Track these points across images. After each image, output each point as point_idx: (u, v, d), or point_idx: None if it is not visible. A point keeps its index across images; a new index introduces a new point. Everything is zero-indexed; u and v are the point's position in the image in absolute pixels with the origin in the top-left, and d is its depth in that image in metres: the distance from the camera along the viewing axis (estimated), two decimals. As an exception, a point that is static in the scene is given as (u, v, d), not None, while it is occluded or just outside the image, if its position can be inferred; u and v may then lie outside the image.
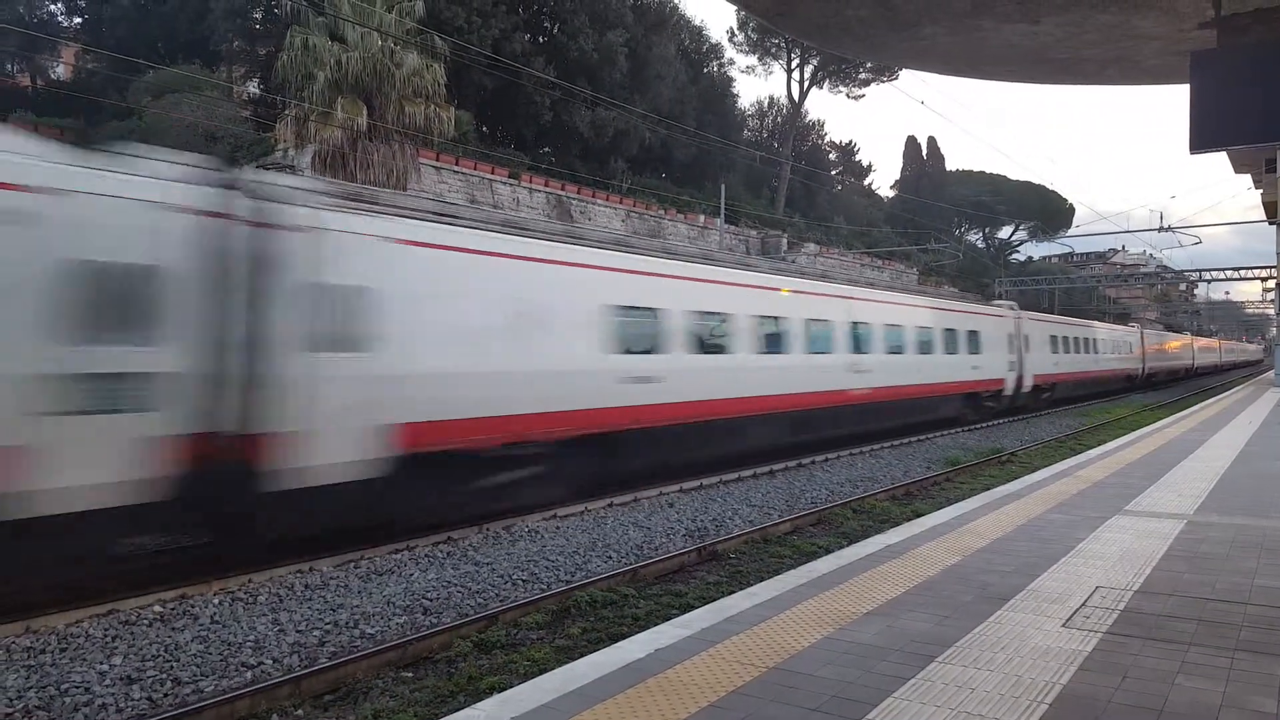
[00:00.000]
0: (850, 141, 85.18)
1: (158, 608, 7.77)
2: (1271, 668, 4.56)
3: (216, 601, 7.99)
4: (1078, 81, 10.76)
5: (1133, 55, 8.86)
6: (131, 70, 28.94)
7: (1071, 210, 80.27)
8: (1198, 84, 7.21)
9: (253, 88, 38.84)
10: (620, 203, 37.78)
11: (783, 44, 56.15)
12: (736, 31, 58.30)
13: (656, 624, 5.81)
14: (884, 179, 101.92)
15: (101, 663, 6.53)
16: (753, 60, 60.25)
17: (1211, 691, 4.25)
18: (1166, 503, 9.56)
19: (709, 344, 14.97)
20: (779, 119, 63.26)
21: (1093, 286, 71.40)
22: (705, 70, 54.24)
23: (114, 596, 7.82)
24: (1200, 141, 7.31)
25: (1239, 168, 14.97)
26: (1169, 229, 43.91)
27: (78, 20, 39.97)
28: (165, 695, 6.12)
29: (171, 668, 6.50)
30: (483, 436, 10.78)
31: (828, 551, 8.77)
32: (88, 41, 37.03)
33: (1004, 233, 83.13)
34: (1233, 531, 7.99)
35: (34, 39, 33.62)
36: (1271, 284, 58.42)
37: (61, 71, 40.20)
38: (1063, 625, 5.27)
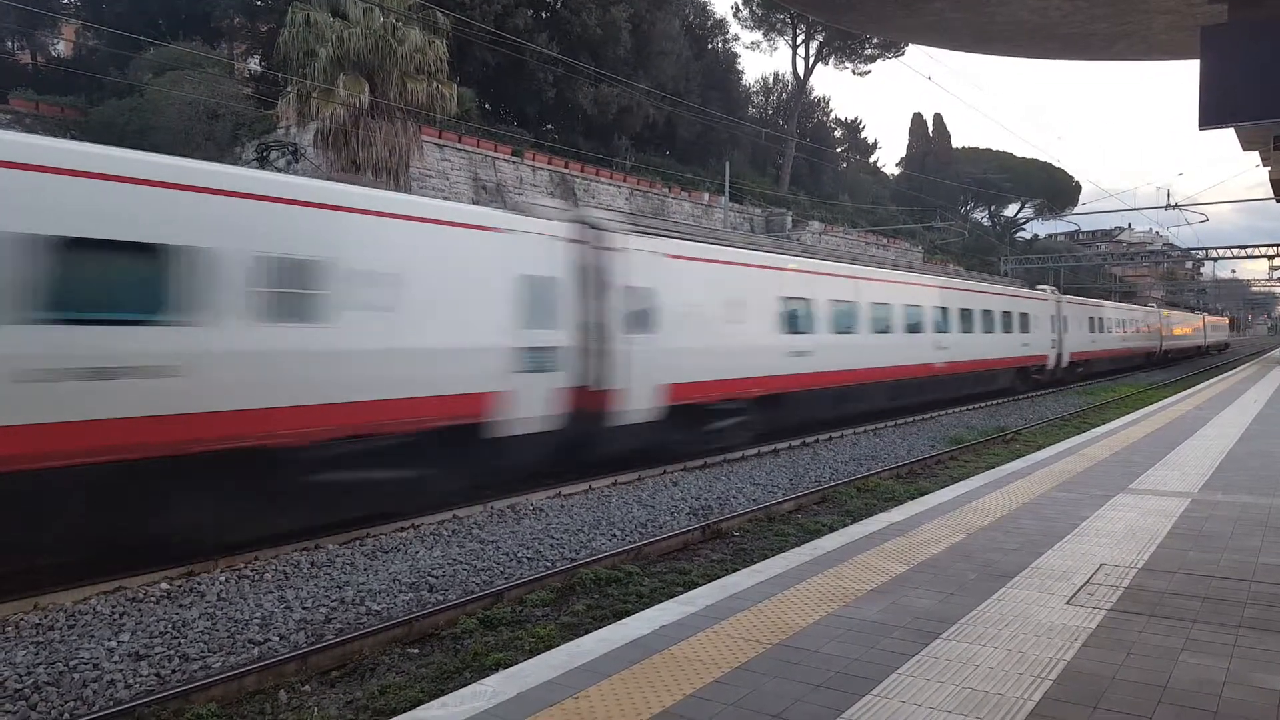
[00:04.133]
0: (856, 119, 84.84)
1: (165, 585, 7.82)
2: (1275, 645, 4.56)
3: (223, 579, 8.04)
4: (1086, 57, 10.68)
5: (1142, 30, 8.78)
6: (132, 47, 28.76)
7: (1078, 188, 79.95)
8: (1207, 59, 7.15)
9: (254, 65, 38.60)
10: (624, 180, 37.64)
11: (788, 19, 55.69)
12: (741, 7, 57.85)
13: (661, 601, 5.83)
14: (890, 156, 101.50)
15: (110, 639, 6.57)
16: (757, 36, 59.69)
17: (1215, 668, 4.26)
18: (1171, 481, 9.55)
19: None
20: (784, 95, 62.82)
21: (1099, 265, 71.01)
22: (709, 46, 53.82)
23: (121, 574, 7.87)
24: (1209, 118, 7.26)
25: (1247, 145, 14.86)
26: (1175, 206, 43.72)
27: (78, -4, 39.71)
28: (173, 671, 6.16)
29: (179, 644, 6.55)
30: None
31: (831, 530, 8.79)
32: (88, 18, 36.79)
33: (1010, 210, 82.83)
34: (1237, 510, 7.99)
35: (34, 15, 33.42)
36: (1278, 261, 58.24)
37: (62, 49, 39.98)
38: (1067, 602, 5.28)
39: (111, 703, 5.69)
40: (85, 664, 6.15)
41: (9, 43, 36.70)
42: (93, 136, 20.89)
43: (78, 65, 33.61)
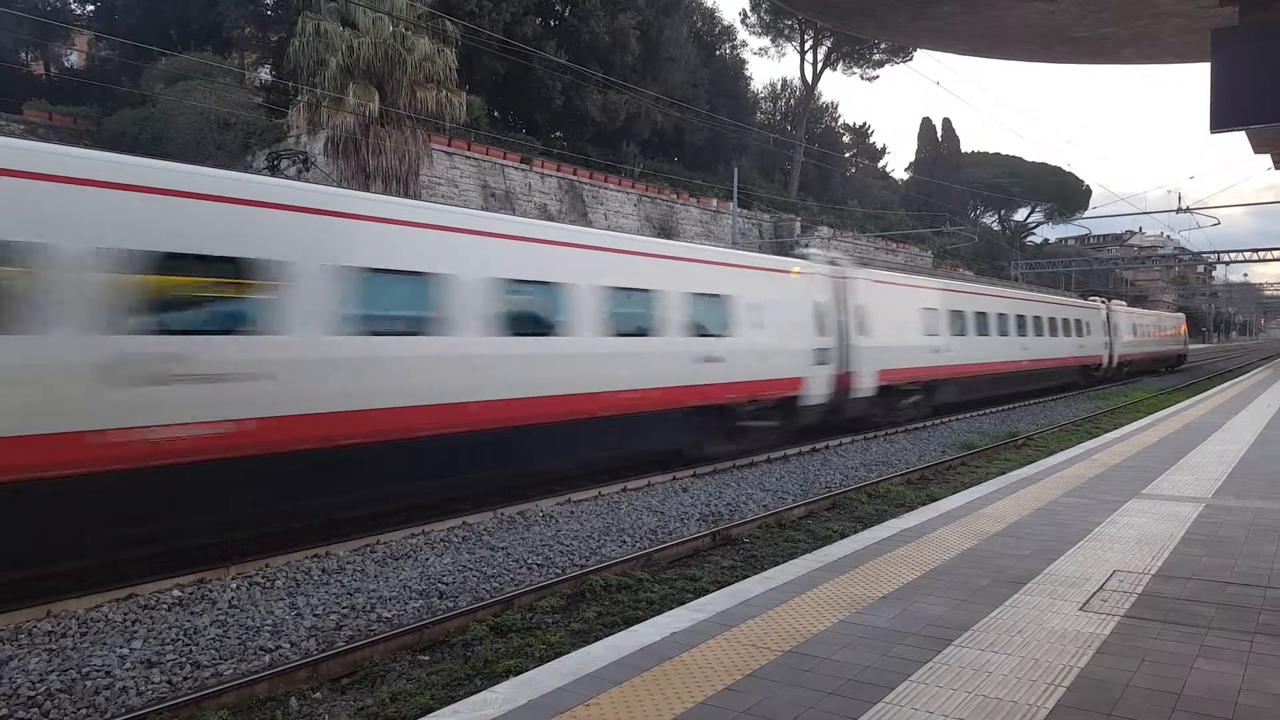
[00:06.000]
0: (864, 124, 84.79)
1: (176, 592, 7.84)
2: (1292, 651, 4.52)
3: (234, 586, 8.06)
4: (1096, 61, 10.64)
5: (1152, 33, 8.75)
6: (144, 57, 29.01)
7: (1088, 191, 79.69)
8: (1218, 62, 7.12)
9: (265, 74, 38.86)
10: (632, 187, 37.69)
11: (796, 25, 55.76)
12: (749, 13, 58.04)
13: (671, 608, 5.81)
14: (899, 161, 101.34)
15: (121, 646, 6.59)
16: (765, 42, 59.89)
17: (1231, 675, 4.22)
18: (1184, 486, 9.49)
19: None
20: (792, 101, 62.89)
21: (1110, 269, 70.64)
22: (717, 53, 53.95)
23: (133, 581, 7.90)
24: (1220, 121, 7.22)
25: (1258, 148, 14.76)
26: (1187, 210, 43.57)
27: (90, 7, 40.06)
28: (185, 678, 6.17)
29: (190, 651, 6.56)
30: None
31: (842, 536, 8.76)
32: (101, 29, 37.14)
33: (1020, 215, 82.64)
34: (1251, 515, 7.93)
35: (48, 27, 33.70)
36: (1291, 265, 57.96)
37: (75, 59, 40.33)
38: (1080, 609, 5.25)
39: (124, 710, 5.70)
40: (97, 671, 6.17)
41: (23, 54, 36.99)
42: (105, 147, 21.04)
43: (91, 76, 33.90)
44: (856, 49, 56.10)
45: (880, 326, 19.13)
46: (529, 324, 11.46)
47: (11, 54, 35.21)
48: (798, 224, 45.78)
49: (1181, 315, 58.21)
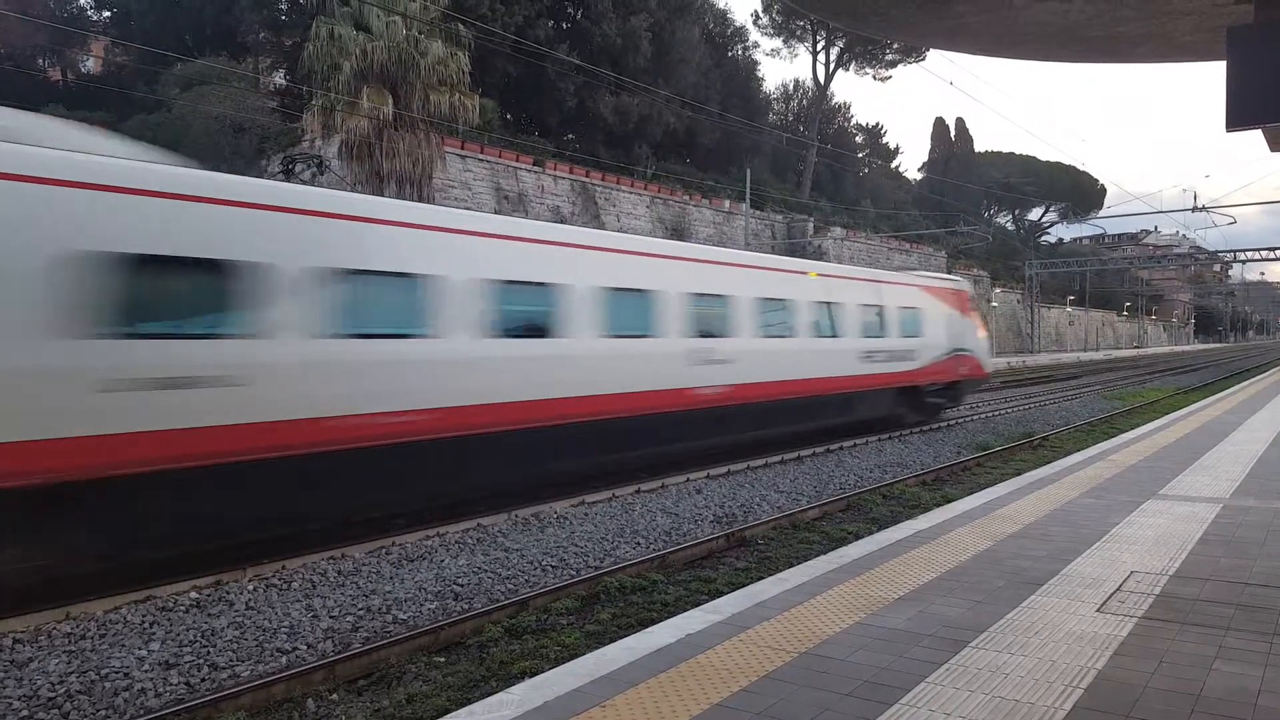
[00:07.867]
0: (877, 124, 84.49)
1: (194, 594, 7.89)
2: (1312, 653, 4.49)
3: (251, 588, 8.10)
4: (1110, 60, 10.59)
5: (1167, 32, 8.70)
6: (160, 63, 29.21)
7: (1103, 191, 79.27)
8: (1234, 60, 7.07)
9: (279, 78, 39.10)
10: (645, 189, 37.70)
11: (808, 26, 55.69)
12: (761, 14, 58.03)
13: (686, 609, 5.81)
14: (912, 161, 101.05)
15: (140, 648, 6.63)
16: (777, 43, 60.20)
17: (1250, 677, 4.19)
18: (1202, 486, 9.43)
19: None
20: (804, 102, 62.84)
21: (1125, 268, 70.18)
22: (729, 54, 53.96)
23: (150, 583, 7.96)
24: (1237, 119, 7.16)
25: (1275, 145, 14.62)
26: (1202, 209, 43.30)
27: (107, 14, 40.40)
28: (203, 680, 6.21)
29: (208, 653, 6.60)
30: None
31: (857, 537, 8.74)
32: (117, 35, 37.43)
33: (1034, 214, 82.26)
34: (1270, 515, 7.87)
35: (65, 33, 34.02)
36: (1309, 264, 57.36)
37: (91, 65, 40.68)
38: (1097, 610, 5.22)
39: (142, 711, 5.74)
40: (116, 672, 6.22)
41: (40, 60, 37.34)
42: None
43: (107, 81, 34.16)
44: (869, 49, 56.00)
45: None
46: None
47: (29, 60, 35.53)
48: (810, 225, 45.72)
49: (958, 283, 24.61)
